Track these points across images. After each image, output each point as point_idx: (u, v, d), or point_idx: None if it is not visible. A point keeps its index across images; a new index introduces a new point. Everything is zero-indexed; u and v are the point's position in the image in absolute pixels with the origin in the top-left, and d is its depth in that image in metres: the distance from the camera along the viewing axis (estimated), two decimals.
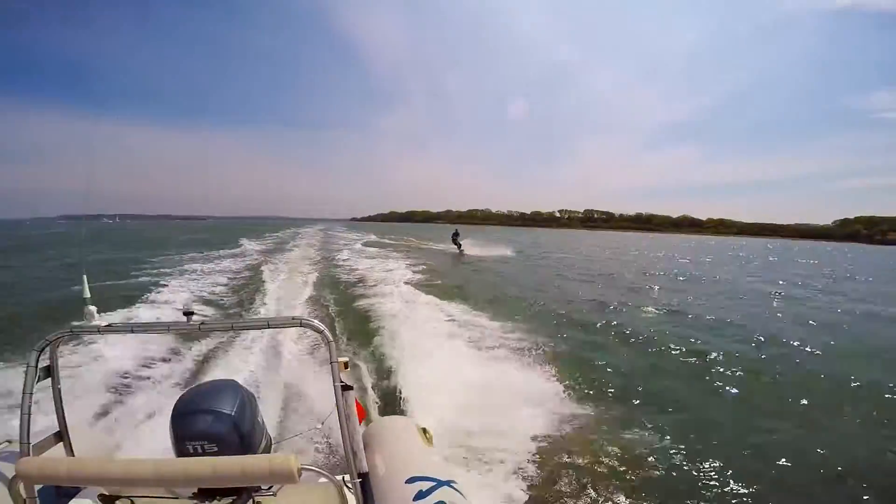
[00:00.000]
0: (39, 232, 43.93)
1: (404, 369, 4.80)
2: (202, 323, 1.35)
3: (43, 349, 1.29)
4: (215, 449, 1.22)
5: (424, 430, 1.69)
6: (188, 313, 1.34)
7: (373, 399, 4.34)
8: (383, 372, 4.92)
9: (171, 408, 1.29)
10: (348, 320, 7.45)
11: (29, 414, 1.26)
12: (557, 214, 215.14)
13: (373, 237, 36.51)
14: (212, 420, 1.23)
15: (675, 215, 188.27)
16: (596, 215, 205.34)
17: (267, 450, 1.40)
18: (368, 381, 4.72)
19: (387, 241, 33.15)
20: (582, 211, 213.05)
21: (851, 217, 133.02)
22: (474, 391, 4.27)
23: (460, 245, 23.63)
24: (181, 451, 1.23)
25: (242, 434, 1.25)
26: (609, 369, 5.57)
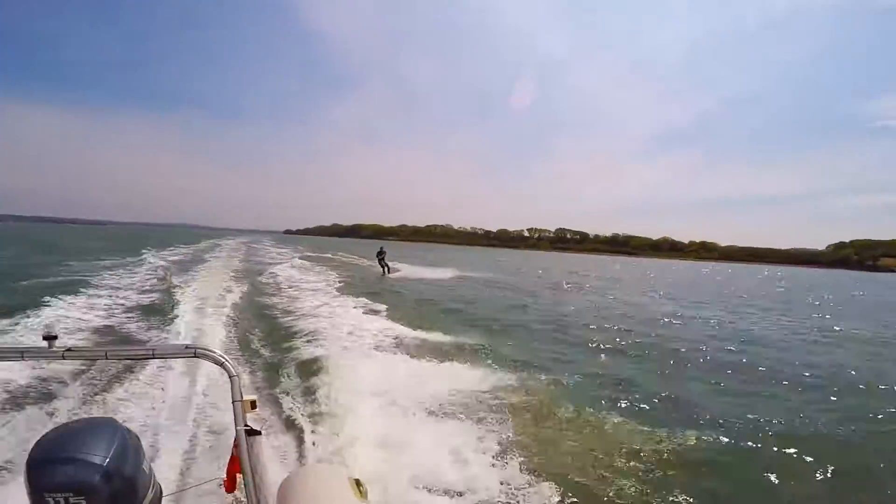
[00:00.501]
0: None
1: (324, 404, 4.70)
2: (68, 349, 1.20)
3: None
4: (83, 502, 1.06)
5: (357, 482, 1.57)
6: (50, 337, 1.18)
7: (293, 443, 4.06)
8: (303, 407, 4.72)
9: (27, 453, 1.11)
10: (267, 349, 7.11)
11: None
12: (526, 234, 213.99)
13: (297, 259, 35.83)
14: (79, 467, 1.07)
15: (655, 237, 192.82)
16: (569, 235, 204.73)
17: (155, 503, 1.24)
18: (290, 421, 4.43)
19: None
20: (553, 230, 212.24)
21: (847, 241, 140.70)
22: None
23: (387, 265, 23.09)
24: None
25: (120, 484, 1.11)
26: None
